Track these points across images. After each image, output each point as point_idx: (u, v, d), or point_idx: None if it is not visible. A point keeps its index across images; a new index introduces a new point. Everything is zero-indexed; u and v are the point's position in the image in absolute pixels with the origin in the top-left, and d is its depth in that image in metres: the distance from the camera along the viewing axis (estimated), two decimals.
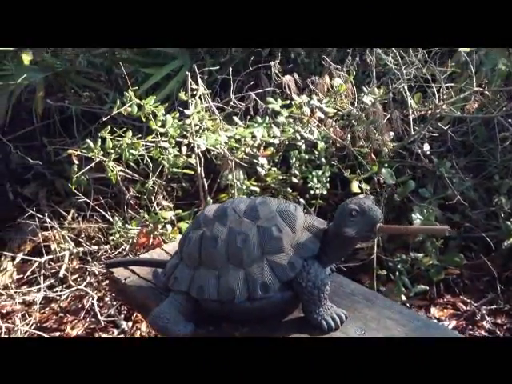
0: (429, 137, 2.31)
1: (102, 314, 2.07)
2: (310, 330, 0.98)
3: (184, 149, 2.10)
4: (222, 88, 2.71)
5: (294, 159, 2.38)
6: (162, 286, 1.08)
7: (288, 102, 2.24)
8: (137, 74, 2.94)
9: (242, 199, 1.05)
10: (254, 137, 2.12)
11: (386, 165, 2.22)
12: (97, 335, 2.01)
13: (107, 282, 1.96)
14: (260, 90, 2.46)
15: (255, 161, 2.15)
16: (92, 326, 2.08)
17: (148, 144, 2.18)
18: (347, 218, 0.96)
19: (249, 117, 2.28)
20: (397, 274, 2.04)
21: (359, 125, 2.25)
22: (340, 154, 2.36)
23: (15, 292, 2.21)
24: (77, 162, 2.36)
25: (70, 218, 2.53)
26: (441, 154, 2.38)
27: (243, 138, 2.12)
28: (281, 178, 2.37)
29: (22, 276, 2.36)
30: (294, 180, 2.37)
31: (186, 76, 2.17)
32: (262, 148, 2.15)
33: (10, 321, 2.14)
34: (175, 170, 2.11)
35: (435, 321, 0.87)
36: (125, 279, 1.16)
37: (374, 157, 2.23)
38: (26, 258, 2.34)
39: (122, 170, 2.35)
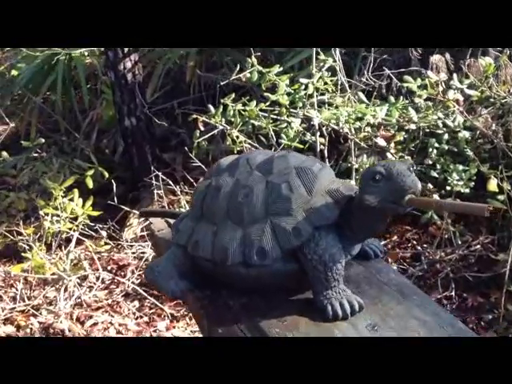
0: None
1: None
2: (312, 313, 0.80)
3: (298, 121, 1.97)
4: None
5: (432, 149, 2.11)
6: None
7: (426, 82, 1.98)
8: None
9: (265, 151, 0.90)
10: (375, 116, 1.91)
11: None
12: None
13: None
14: (403, 69, 2.22)
15: (378, 143, 1.94)
16: None
17: (276, 117, 2.10)
18: (369, 183, 0.76)
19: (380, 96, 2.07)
20: None
21: None
22: (485, 148, 2.03)
23: (130, 246, 2.30)
24: (202, 129, 2.38)
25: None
26: None
27: (365, 117, 1.92)
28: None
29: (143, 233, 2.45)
30: (433, 173, 2.10)
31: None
32: (381, 129, 1.92)
33: (122, 273, 2.23)
34: (291, 143, 1.99)
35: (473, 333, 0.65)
36: (158, 231, 1.10)
37: None
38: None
39: (246, 142, 2.29)
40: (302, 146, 1.97)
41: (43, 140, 2.55)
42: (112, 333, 1.87)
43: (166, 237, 1.07)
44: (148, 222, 1.18)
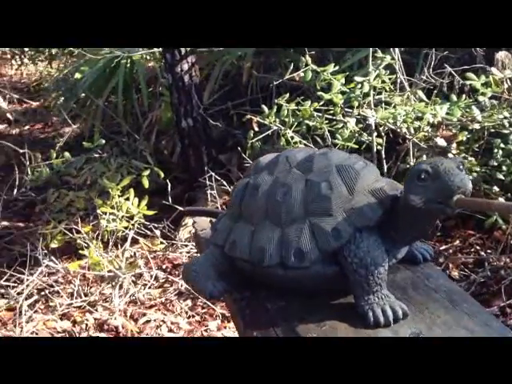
0: None
1: None
2: (353, 319, 0.76)
3: (353, 121, 1.92)
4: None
5: (497, 150, 2.01)
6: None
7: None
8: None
9: (306, 149, 0.87)
10: (435, 115, 1.83)
11: None
12: None
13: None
14: (466, 67, 2.12)
15: (438, 143, 1.85)
16: None
17: (331, 117, 2.06)
18: (415, 182, 0.72)
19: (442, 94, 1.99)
20: None
21: None
22: None
23: (185, 245, 2.31)
24: (256, 129, 2.36)
25: None
26: None
27: (424, 116, 1.84)
28: (478, 169, 2.02)
29: None
30: (499, 176, 2.00)
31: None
32: (442, 128, 1.84)
33: (176, 272, 2.24)
34: (346, 143, 1.94)
35: None
36: (201, 230, 1.08)
37: None
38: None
39: (301, 142, 2.25)
40: (356, 146, 1.91)
41: (103, 141, 2.60)
42: (164, 331, 1.89)
43: (208, 236, 1.05)
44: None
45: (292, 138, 2.13)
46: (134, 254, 2.14)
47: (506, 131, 1.95)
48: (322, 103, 2.02)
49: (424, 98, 1.89)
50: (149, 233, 2.23)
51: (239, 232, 0.84)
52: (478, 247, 2.09)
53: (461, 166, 0.72)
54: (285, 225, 0.80)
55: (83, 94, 3.28)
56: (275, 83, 2.07)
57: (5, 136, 4.09)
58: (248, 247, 0.82)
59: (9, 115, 4.39)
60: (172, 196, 2.40)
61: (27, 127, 4.27)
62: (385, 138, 2.03)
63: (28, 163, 2.55)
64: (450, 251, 2.07)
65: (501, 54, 2.06)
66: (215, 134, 2.90)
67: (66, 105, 3.43)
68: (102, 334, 1.84)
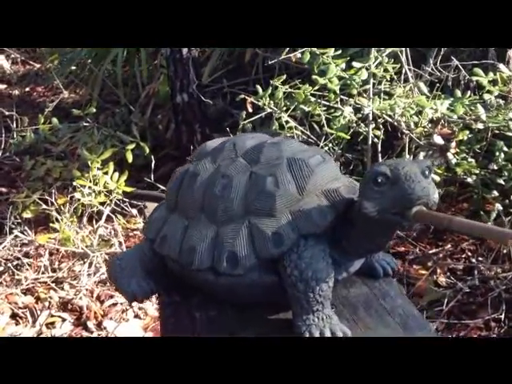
0: None
1: None
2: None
3: (348, 109, 1.79)
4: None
5: (499, 153, 1.89)
6: None
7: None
8: None
9: (261, 135, 0.76)
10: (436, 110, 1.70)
11: None
12: None
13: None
14: (475, 62, 1.98)
15: (435, 141, 1.73)
16: None
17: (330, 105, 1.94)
18: (370, 186, 0.60)
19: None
20: None
21: None
22: None
23: None
24: (250, 110, 2.25)
25: None
26: None
27: (423, 110, 1.72)
28: (477, 172, 1.90)
29: None
30: (499, 180, 1.89)
31: None
32: (440, 124, 1.71)
33: None
34: (337, 132, 1.82)
35: None
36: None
37: None
38: None
39: (297, 128, 2.13)
40: (348, 137, 1.80)
41: (94, 110, 2.50)
42: (130, 316, 1.80)
43: None
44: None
45: (287, 122, 2.01)
46: (110, 231, 2.05)
47: (510, 134, 1.83)
48: (317, 88, 1.90)
49: (425, 90, 1.77)
50: (130, 210, 2.13)
51: (172, 226, 0.73)
52: (469, 253, 1.98)
53: (427, 172, 0.61)
54: (221, 223, 0.69)
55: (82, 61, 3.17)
56: (270, 62, 1.94)
57: (4, 97, 4.01)
58: (179, 245, 0.71)
59: (10, 75, 4.30)
60: (161, 173, 2.30)
61: (27, 89, 4.18)
62: (382, 131, 1.91)
63: (14, 127, 2.46)
64: (440, 255, 1.96)
65: None
66: (212, 112, 2.78)
67: (63, 69, 3.32)
68: (65, 314, 1.76)
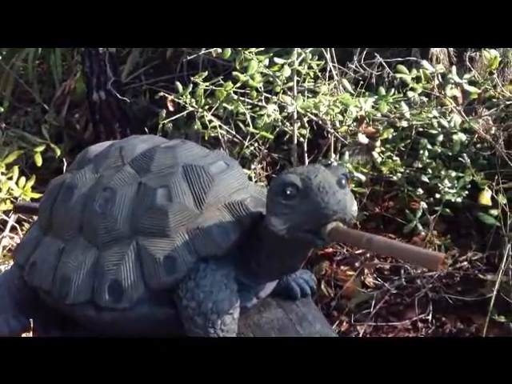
0: None
1: None
2: None
3: (271, 108, 1.71)
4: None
5: (423, 151, 1.86)
6: None
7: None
8: None
9: (155, 138, 0.65)
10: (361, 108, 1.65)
11: None
12: None
13: None
14: (399, 59, 1.95)
15: (359, 140, 1.67)
16: None
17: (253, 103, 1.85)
18: (278, 199, 0.51)
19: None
20: None
21: None
22: (484, 155, 1.78)
23: None
24: (171, 109, 2.14)
25: None
26: None
27: (348, 108, 1.66)
28: (402, 170, 1.87)
29: None
30: (424, 178, 1.86)
31: None
32: (364, 123, 1.66)
33: None
34: (260, 132, 1.74)
35: None
36: None
37: None
38: None
39: (221, 127, 2.03)
40: (271, 137, 1.72)
41: (2, 109, 2.31)
42: None
43: None
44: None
45: (210, 121, 1.92)
46: (16, 242, 1.87)
47: (434, 131, 1.81)
48: (240, 85, 1.81)
49: (349, 88, 1.71)
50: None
51: (45, 250, 0.61)
52: None
53: (343, 181, 0.52)
54: (102, 245, 0.57)
55: None
56: (188, 58, 1.84)
57: None
58: (51, 273, 0.59)
59: None
60: None
61: None
62: (308, 130, 1.85)
63: None
64: (367, 255, 1.92)
65: (436, 48, 1.91)
66: (134, 111, 2.64)
67: None
68: None
